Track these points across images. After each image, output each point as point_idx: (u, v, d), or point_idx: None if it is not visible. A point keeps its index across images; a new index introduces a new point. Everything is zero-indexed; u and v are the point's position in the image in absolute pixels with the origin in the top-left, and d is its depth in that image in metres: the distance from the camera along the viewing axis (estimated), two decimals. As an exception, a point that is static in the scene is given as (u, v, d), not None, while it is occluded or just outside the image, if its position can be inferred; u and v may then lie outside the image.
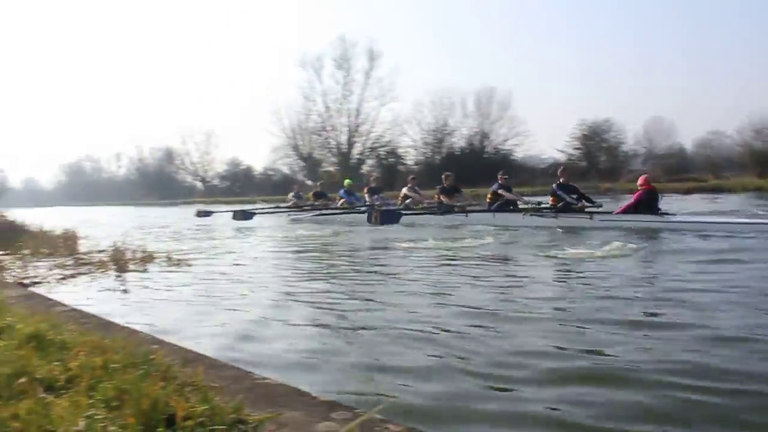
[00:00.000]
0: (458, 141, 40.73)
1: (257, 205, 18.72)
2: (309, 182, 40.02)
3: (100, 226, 15.07)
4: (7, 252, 7.40)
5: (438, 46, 69.86)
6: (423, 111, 41.95)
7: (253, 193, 46.58)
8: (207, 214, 14.85)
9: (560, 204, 8.71)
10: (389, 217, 9.23)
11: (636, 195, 8.02)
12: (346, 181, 14.66)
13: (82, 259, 6.52)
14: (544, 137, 72.02)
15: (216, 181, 59.78)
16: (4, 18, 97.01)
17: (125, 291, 4.63)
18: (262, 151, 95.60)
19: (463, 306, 3.52)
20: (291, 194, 16.48)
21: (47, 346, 2.15)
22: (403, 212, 9.79)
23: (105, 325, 2.76)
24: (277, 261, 6.45)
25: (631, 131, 39.61)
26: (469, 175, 35.99)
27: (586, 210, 8.54)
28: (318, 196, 14.56)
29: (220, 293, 4.37)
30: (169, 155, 68.17)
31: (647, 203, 7.87)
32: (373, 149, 44.82)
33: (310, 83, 45.89)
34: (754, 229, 6.83)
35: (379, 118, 44.33)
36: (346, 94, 44.86)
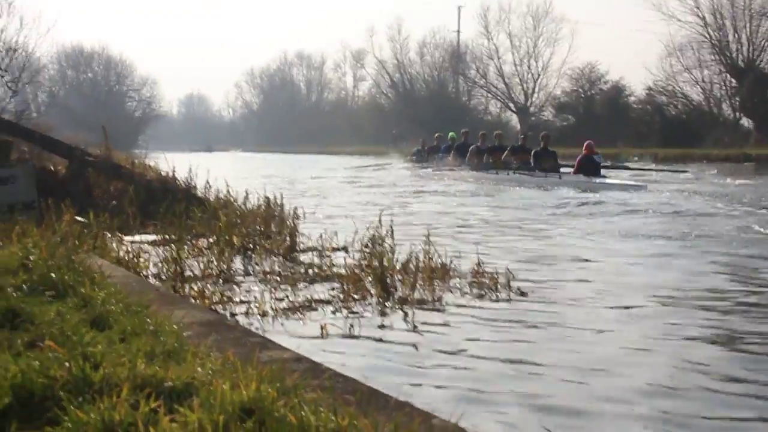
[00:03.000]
0: None
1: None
2: (749, 125, 37.92)
3: (329, 192, 17.50)
4: (163, 236, 8.68)
5: None
6: None
7: (620, 142, 47.00)
8: None
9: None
10: None
11: (579, 159, 20.93)
12: (451, 134, 29.69)
13: (306, 263, 7.31)
14: None
15: (546, 114, 62.18)
16: None
17: (402, 335, 5.06)
18: (644, 58, 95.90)
19: None
20: (415, 149, 31.48)
21: (278, 429, 2.31)
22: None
23: (375, 397, 2.90)
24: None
25: None
26: None
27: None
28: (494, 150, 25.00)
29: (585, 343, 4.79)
30: (454, 55, 73.59)
31: (586, 166, 20.36)
32: None
33: None
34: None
35: None
36: None
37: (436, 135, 31.65)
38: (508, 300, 6.09)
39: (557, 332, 5.12)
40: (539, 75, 67.80)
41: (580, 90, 59.04)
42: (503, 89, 70.01)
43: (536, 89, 67.88)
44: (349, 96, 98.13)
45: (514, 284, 6.46)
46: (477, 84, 72.43)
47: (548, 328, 5.22)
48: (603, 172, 20.63)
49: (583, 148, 20.99)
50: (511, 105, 69.61)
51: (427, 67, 77.91)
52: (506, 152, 23.89)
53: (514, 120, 66.34)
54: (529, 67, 68.33)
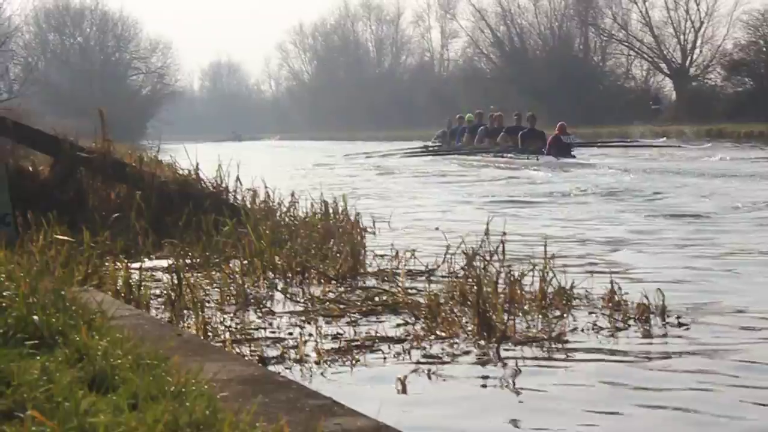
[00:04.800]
0: None
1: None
2: None
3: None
4: (182, 260, 8.70)
5: None
6: None
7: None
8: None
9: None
10: None
11: (549, 140, 34.13)
12: (468, 116, 40.79)
13: (379, 290, 7.40)
14: None
15: (713, 77, 61.66)
16: None
17: (514, 390, 5.10)
18: None
19: None
20: (439, 131, 44.06)
21: None
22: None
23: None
24: None
25: None
26: None
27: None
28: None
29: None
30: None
31: (557, 147, 32.96)
32: None
33: None
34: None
35: None
36: None
37: (457, 116, 42.45)
38: (664, 334, 6.07)
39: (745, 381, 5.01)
40: (702, 23, 67.20)
41: (762, 42, 58.36)
42: (651, 44, 69.47)
43: (698, 43, 67.24)
44: (435, 59, 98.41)
45: (670, 312, 6.43)
46: (614, 38, 72.02)
47: (734, 377, 5.10)
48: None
49: (556, 128, 30.45)
50: (663, 66, 68.98)
51: (543, 16, 77.93)
52: (501, 134, 33.96)
53: (668, 86, 65.71)
54: (687, 12, 67.84)
